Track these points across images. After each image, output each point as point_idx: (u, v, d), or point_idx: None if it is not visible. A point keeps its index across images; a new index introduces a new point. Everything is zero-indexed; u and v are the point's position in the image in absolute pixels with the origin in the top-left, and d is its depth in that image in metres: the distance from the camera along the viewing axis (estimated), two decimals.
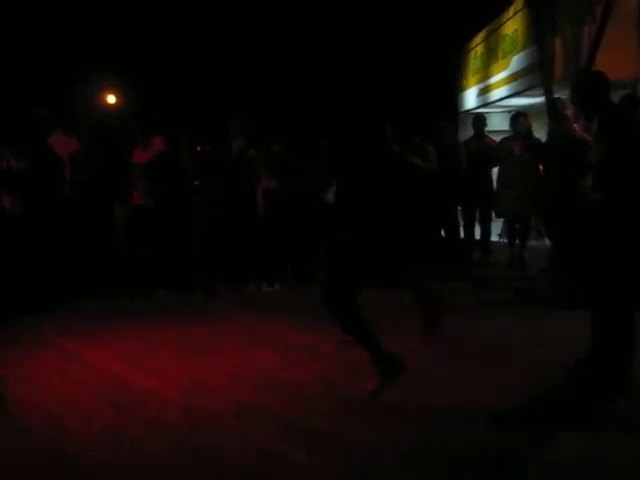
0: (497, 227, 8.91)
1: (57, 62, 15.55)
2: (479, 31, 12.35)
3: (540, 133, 8.26)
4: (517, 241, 8.05)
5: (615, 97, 8.25)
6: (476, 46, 12.58)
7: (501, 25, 11.13)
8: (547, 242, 8.78)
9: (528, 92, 9.99)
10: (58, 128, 6.98)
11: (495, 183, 8.26)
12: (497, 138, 8.48)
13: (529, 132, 7.90)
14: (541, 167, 7.75)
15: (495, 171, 8.35)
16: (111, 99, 19.21)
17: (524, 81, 10.04)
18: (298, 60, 15.97)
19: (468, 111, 12.53)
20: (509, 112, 10.05)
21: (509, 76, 10.62)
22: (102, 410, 3.77)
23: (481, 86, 12.09)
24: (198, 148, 7.31)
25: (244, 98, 15.22)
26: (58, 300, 6.22)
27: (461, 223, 8.62)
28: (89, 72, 16.32)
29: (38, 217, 6.22)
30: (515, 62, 10.38)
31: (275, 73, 16.35)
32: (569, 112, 7.50)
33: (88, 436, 3.43)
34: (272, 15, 16.12)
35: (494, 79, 11.33)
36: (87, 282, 6.71)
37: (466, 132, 10.28)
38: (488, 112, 10.71)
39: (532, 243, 8.65)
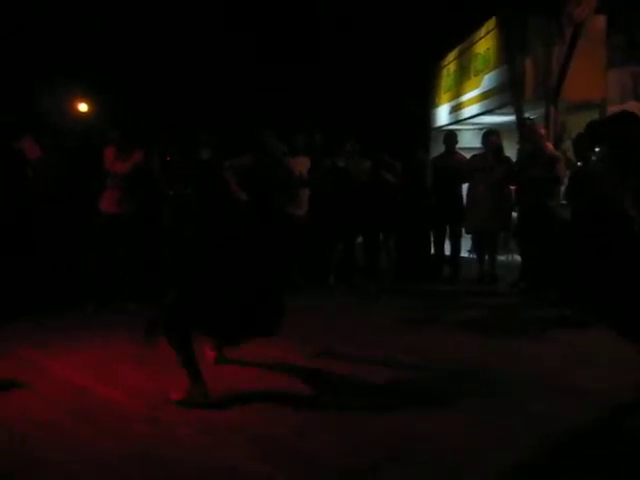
0: (467, 243, 8.99)
1: (28, 69, 15.38)
2: (452, 49, 12.52)
3: (510, 151, 8.38)
4: (486, 257, 8.13)
5: (584, 117, 8.49)
6: (449, 63, 12.74)
7: (473, 44, 11.29)
8: (515, 257, 8.90)
9: (499, 110, 10.14)
10: (28, 134, 6.89)
11: (465, 199, 8.34)
12: (468, 155, 8.57)
13: (500, 150, 8.00)
14: (512, 187, 7.85)
15: (465, 187, 8.44)
16: (83, 107, 19.04)
17: (495, 99, 10.19)
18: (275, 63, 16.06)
19: (440, 128, 12.66)
20: (480, 129, 10.18)
21: (481, 94, 10.76)
22: (65, 421, 3.71)
23: (453, 103, 12.24)
24: (167, 158, 7.25)
25: (219, 106, 15.20)
26: (21, 310, 6.11)
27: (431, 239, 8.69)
28: (61, 80, 16.15)
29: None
30: (486, 80, 10.53)
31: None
32: (542, 130, 7.64)
33: (51, 446, 3.36)
34: (243, 23, 16.20)
35: (466, 97, 11.48)
36: (53, 292, 6.58)
37: (438, 148, 10.39)
38: (459, 129, 10.85)
39: (501, 258, 8.74)
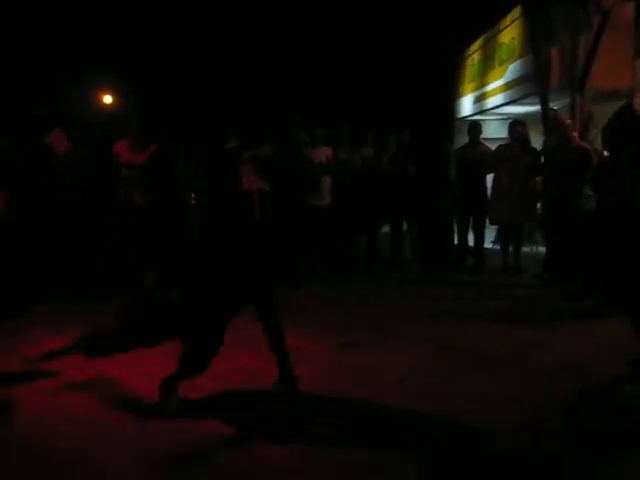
0: (490, 234, 8.94)
1: (55, 62, 15.54)
2: (476, 38, 12.40)
3: (536, 141, 8.30)
4: (510, 248, 8.07)
5: (610, 106, 8.35)
6: (473, 53, 12.63)
7: (498, 33, 11.16)
8: (540, 249, 8.82)
9: (524, 100, 10.02)
10: (57, 127, 6.97)
11: (489, 190, 8.28)
12: (492, 146, 8.50)
13: (526, 140, 7.92)
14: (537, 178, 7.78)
15: (490, 178, 8.38)
16: (107, 99, 19.22)
17: (520, 89, 10.07)
18: (294, 61, 16.03)
19: (464, 118, 12.56)
20: (505, 120, 10.09)
21: (505, 84, 10.65)
22: (94, 409, 3.76)
23: (477, 93, 12.13)
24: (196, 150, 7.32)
25: (242, 99, 15.23)
26: (45, 299, 6.19)
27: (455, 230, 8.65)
28: (86, 72, 16.30)
29: (28, 216, 6.24)
30: (511, 70, 10.42)
31: (273, 74, 16.38)
32: (568, 121, 7.55)
33: (79, 435, 3.42)
34: (269, 16, 16.18)
35: (490, 87, 11.37)
36: (77, 281, 6.66)
37: (461, 139, 10.31)
38: (484, 119, 10.75)
39: (525, 250, 8.67)
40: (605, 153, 6.69)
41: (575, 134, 7.45)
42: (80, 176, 6.87)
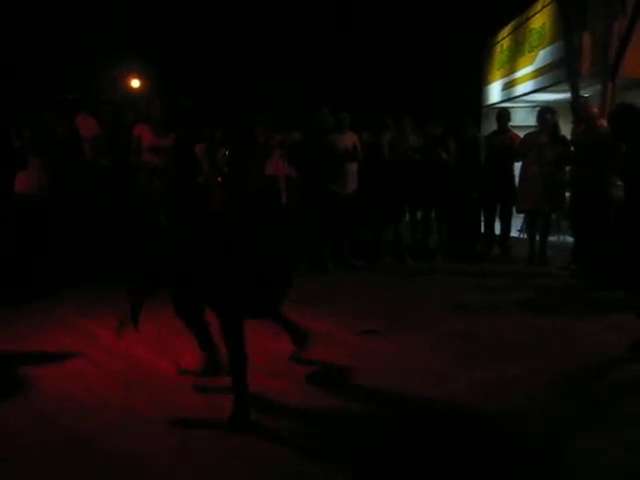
0: (517, 223, 8.85)
1: (83, 46, 15.66)
2: (506, 24, 12.23)
3: (565, 129, 8.17)
4: (537, 237, 7.99)
5: None
6: (502, 39, 12.46)
7: (528, 19, 11.00)
8: (567, 238, 8.72)
9: (554, 88, 9.88)
10: (83, 111, 7.03)
11: (517, 178, 8.19)
12: (520, 133, 8.39)
13: (556, 128, 7.80)
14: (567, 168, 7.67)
15: (517, 166, 8.27)
16: (135, 83, 19.33)
17: (550, 76, 9.93)
18: (320, 46, 15.98)
19: (492, 105, 12.43)
20: (534, 107, 9.95)
21: (535, 71, 10.51)
22: (118, 391, 3.81)
23: (506, 80, 11.99)
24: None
25: (269, 86, 15.23)
26: (73, 282, 6.28)
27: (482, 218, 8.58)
28: (114, 56, 16.41)
29: (59, 197, 6.32)
30: (541, 57, 10.27)
31: (301, 59, 16.34)
32: (596, 109, 7.42)
33: (103, 416, 3.47)
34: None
35: (519, 73, 11.22)
36: (101, 264, 6.73)
37: (489, 126, 10.20)
38: (512, 107, 10.63)
39: (552, 239, 8.58)
40: None
41: (604, 122, 7.31)
42: (108, 159, 6.92)
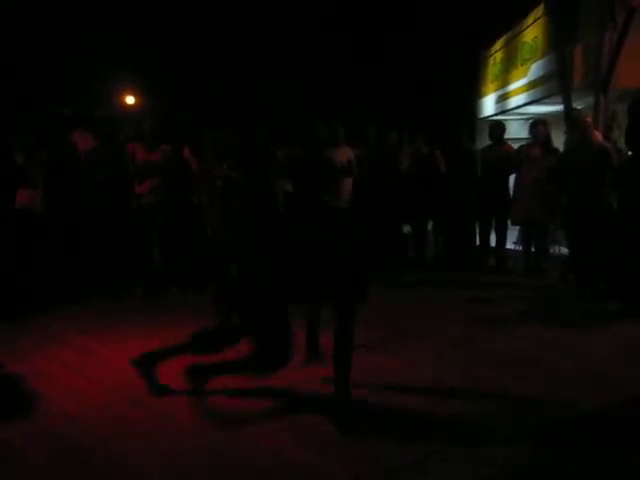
0: (512, 235, 8.88)
1: (79, 62, 15.72)
2: (499, 37, 12.34)
3: (558, 141, 8.24)
4: (533, 249, 8.02)
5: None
6: (495, 52, 12.57)
7: (521, 32, 11.11)
8: (562, 250, 8.75)
9: (546, 100, 9.96)
10: (79, 127, 7.07)
11: (512, 190, 8.23)
12: (515, 146, 8.45)
13: (548, 140, 7.86)
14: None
15: (512, 178, 8.32)
16: (130, 100, 19.39)
17: (542, 89, 10.01)
18: (318, 59, 16.05)
19: (486, 118, 12.51)
20: (527, 120, 10.02)
21: (527, 83, 10.60)
22: (116, 406, 3.81)
23: (500, 93, 12.08)
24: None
25: (261, 85, 15.25)
26: (72, 297, 6.29)
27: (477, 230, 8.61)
28: (109, 72, 16.47)
29: (57, 212, 6.36)
30: (534, 70, 10.36)
31: (295, 74, 16.42)
32: (589, 120, 7.48)
33: (102, 430, 3.47)
34: (295, 13, 16.22)
35: (512, 86, 11.31)
36: (101, 280, 6.76)
37: (484, 139, 10.27)
38: (506, 119, 10.69)
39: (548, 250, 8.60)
40: (629, 153, 6.65)
41: (596, 133, 7.36)
42: (102, 174, 6.96)
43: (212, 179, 7.09)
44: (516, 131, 10.88)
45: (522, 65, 10.92)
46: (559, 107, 9.29)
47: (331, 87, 13.65)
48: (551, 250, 8.88)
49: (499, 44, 12.36)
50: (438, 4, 14.99)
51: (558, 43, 9.09)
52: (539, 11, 10.11)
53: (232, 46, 16.70)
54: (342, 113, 7.52)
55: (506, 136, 8.79)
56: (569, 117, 8.03)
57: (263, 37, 16.41)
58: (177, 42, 16.36)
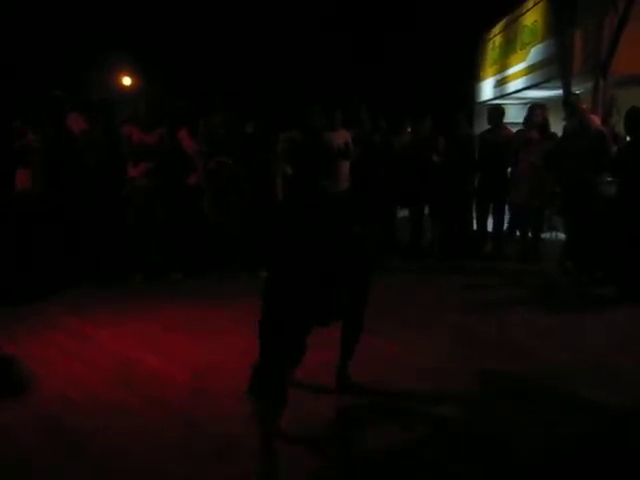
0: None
1: (74, 44, 15.61)
2: (498, 21, 12.26)
3: (556, 126, 8.20)
4: (529, 234, 8.01)
5: (635, 91, 8.25)
6: (494, 36, 12.50)
7: (520, 15, 11.04)
8: (560, 235, 8.75)
9: (545, 84, 9.92)
10: (75, 110, 7.01)
11: (509, 175, 8.20)
12: (513, 130, 8.41)
13: (545, 124, 7.82)
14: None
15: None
16: (127, 81, 19.27)
17: (542, 73, 9.97)
18: (313, 53, 15.99)
19: (484, 102, 12.46)
20: (525, 104, 9.99)
21: (527, 68, 10.55)
22: (113, 390, 3.81)
23: (498, 77, 12.02)
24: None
25: (261, 82, 15.21)
26: (71, 283, 6.27)
27: (474, 215, 8.60)
28: (106, 54, 16.35)
29: (54, 196, 6.32)
30: (533, 53, 10.31)
31: (294, 59, 16.34)
32: (585, 106, 7.45)
33: (98, 415, 3.47)
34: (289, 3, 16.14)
35: (511, 70, 11.26)
36: (100, 265, 6.73)
37: (482, 123, 10.23)
38: (505, 104, 10.65)
39: (545, 236, 8.60)
40: (627, 138, 6.64)
41: (594, 118, 7.32)
42: (97, 156, 6.91)
43: (206, 161, 7.11)
44: (514, 115, 10.84)
45: (521, 49, 10.87)
46: (558, 92, 9.26)
47: (331, 87, 13.59)
48: (548, 236, 8.87)
49: (498, 28, 12.28)
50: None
51: (558, 27, 9.03)
52: None
53: (232, 46, 16.60)
54: (342, 106, 7.57)
55: (505, 120, 8.76)
56: (567, 103, 7.99)
57: (263, 37, 16.33)
58: (176, 38, 16.26)
